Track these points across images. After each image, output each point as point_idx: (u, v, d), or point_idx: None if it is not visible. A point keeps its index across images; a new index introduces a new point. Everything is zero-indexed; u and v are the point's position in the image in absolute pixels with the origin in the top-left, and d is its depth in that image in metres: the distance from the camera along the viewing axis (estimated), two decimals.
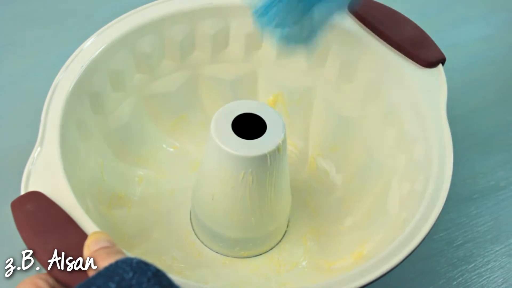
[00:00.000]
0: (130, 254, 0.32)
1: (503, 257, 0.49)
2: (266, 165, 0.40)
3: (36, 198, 0.36)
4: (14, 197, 0.49)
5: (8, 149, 0.53)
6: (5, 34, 0.62)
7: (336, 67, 0.50)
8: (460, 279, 0.48)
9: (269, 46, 0.51)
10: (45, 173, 0.38)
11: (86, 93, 0.44)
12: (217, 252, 0.47)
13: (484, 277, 0.48)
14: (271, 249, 0.48)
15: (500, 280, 0.48)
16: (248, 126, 0.42)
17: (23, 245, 0.46)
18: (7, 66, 0.59)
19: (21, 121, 0.55)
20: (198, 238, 0.48)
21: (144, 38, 0.47)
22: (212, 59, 0.51)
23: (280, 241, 0.48)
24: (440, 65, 0.46)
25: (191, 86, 0.52)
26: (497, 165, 0.55)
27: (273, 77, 0.53)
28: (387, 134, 0.47)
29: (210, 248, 0.47)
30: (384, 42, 0.47)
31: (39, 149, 0.39)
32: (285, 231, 0.49)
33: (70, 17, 0.64)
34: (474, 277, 0.48)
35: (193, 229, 0.48)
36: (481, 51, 0.66)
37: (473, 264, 0.49)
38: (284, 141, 0.41)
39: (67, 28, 0.63)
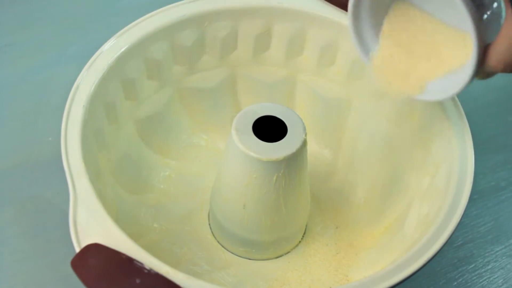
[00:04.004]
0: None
1: (504, 257, 0.49)
2: (296, 162, 0.40)
3: (96, 251, 0.34)
4: (14, 198, 0.49)
5: (8, 149, 0.53)
6: (5, 34, 0.62)
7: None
8: (460, 279, 0.48)
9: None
10: (91, 223, 0.36)
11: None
12: (249, 258, 0.47)
13: (485, 278, 0.48)
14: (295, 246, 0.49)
15: (500, 281, 0.48)
16: (265, 129, 0.42)
17: (23, 245, 0.47)
18: (7, 67, 0.59)
19: (21, 121, 0.55)
20: (223, 247, 0.48)
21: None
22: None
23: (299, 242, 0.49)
24: None
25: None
26: (497, 165, 0.55)
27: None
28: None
29: (240, 256, 0.47)
30: None
31: (73, 197, 0.37)
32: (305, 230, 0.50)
33: (70, 17, 0.64)
34: (475, 277, 0.48)
35: (214, 236, 0.49)
36: None
37: (473, 265, 0.49)
38: (306, 135, 0.41)
39: (67, 28, 0.63)
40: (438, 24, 0.35)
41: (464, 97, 0.46)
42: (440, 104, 0.44)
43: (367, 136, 0.51)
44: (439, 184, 0.42)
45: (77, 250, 0.34)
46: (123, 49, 0.44)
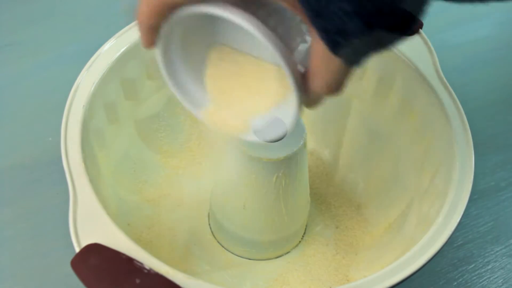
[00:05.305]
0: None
1: (504, 257, 0.49)
2: (296, 162, 0.41)
3: (96, 251, 0.34)
4: (14, 198, 0.49)
5: (8, 149, 0.53)
6: (5, 34, 0.62)
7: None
8: (460, 279, 0.48)
9: None
10: (91, 223, 0.36)
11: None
12: (249, 258, 0.47)
13: (485, 278, 0.48)
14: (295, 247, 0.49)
15: (500, 281, 0.48)
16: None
17: (23, 245, 0.47)
18: (7, 67, 0.59)
19: (21, 121, 0.55)
20: (223, 247, 0.48)
21: None
22: None
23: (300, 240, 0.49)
24: (420, 29, 0.47)
25: None
26: (497, 165, 0.55)
27: None
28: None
29: (240, 256, 0.48)
30: None
31: (73, 197, 0.37)
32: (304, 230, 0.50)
33: (70, 17, 0.64)
34: (475, 277, 0.48)
35: (214, 236, 0.49)
36: (481, 51, 0.66)
37: (473, 265, 0.49)
38: (306, 134, 0.41)
39: (67, 28, 0.63)
40: (256, 61, 0.33)
41: (464, 97, 0.46)
42: (440, 104, 0.44)
43: (367, 136, 0.51)
44: (439, 184, 0.42)
45: (77, 250, 0.34)
46: (123, 49, 0.44)
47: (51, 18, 0.64)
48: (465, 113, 0.44)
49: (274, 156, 0.39)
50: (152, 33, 0.31)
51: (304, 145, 0.41)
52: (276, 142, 0.40)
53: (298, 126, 0.41)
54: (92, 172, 0.39)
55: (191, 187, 0.51)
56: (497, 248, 0.50)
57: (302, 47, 0.31)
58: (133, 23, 0.46)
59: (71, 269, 0.33)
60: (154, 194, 0.50)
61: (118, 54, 0.44)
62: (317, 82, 0.30)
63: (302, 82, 0.30)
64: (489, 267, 0.49)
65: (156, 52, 0.33)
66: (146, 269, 0.33)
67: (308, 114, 0.52)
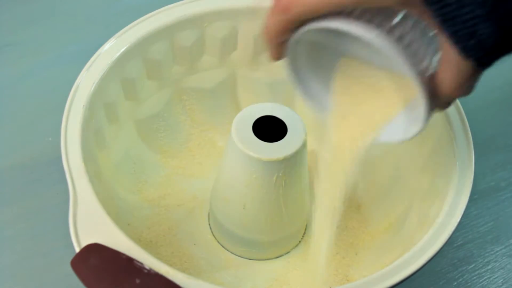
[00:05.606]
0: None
1: (504, 257, 0.49)
2: (295, 162, 0.41)
3: (96, 251, 0.34)
4: (14, 198, 0.49)
5: (8, 149, 0.53)
6: (5, 34, 0.62)
7: None
8: (460, 279, 0.48)
9: None
10: (91, 223, 0.36)
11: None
12: (249, 258, 0.47)
13: (485, 278, 0.48)
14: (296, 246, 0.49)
15: (500, 281, 0.48)
16: (264, 129, 0.42)
17: (23, 245, 0.47)
18: (7, 67, 0.59)
19: (21, 121, 0.55)
20: (224, 247, 0.48)
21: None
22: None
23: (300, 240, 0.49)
24: None
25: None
26: (497, 165, 0.55)
27: None
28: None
29: (240, 256, 0.47)
30: None
31: (73, 197, 0.37)
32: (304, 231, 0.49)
33: (70, 17, 0.64)
34: (475, 277, 0.48)
35: (214, 236, 0.49)
36: None
37: (473, 265, 0.49)
38: (306, 134, 0.41)
39: (67, 28, 0.63)
40: (383, 70, 0.34)
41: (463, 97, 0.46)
42: None
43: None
44: (439, 184, 0.42)
45: (77, 250, 0.34)
46: (123, 49, 0.44)
47: (51, 18, 0.64)
48: (465, 113, 0.44)
49: (274, 156, 0.39)
50: (281, 48, 0.34)
51: (304, 145, 0.41)
52: (276, 143, 0.40)
53: (298, 126, 0.41)
54: (92, 172, 0.39)
55: (191, 187, 0.51)
56: (497, 248, 0.50)
57: (430, 53, 0.31)
58: (132, 23, 0.46)
59: (71, 269, 0.33)
60: (154, 194, 0.50)
61: (118, 54, 0.44)
62: (448, 86, 0.30)
63: (431, 86, 0.30)
64: (489, 267, 0.49)
65: (285, 63, 0.36)
66: (146, 269, 0.33)
67: (308, 114, 0.52)
